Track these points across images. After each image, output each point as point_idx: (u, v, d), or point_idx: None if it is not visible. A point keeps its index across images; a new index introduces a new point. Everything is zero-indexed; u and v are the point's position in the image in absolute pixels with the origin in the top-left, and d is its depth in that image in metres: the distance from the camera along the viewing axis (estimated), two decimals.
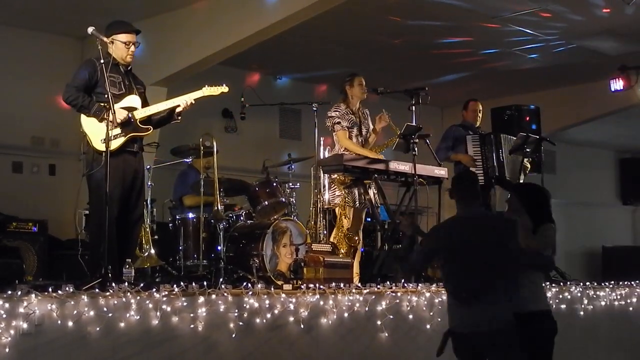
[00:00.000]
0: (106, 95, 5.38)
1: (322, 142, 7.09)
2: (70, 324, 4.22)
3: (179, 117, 5.89)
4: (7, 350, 3.97)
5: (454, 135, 8.31)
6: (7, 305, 4.02)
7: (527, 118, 9.87)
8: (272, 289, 5.27)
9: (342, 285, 5.62)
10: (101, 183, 5.32)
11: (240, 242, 6.49)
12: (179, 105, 5.79)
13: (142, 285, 4.68)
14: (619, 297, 7.81)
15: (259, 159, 7.80)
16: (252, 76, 10.76)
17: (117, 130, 5.51)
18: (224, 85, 5.90)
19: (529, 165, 8.40)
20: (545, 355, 4.45)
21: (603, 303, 7.59)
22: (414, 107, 7.10)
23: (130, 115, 5.59)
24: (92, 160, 5.54)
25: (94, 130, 5.52)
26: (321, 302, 5.36)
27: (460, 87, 11.29)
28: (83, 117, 5.58)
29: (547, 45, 10.04)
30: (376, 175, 6.93)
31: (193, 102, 5.81)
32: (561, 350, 7.03)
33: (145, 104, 5.79)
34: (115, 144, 5.46)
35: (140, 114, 5.67)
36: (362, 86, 7.04)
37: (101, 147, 5.43)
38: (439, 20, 9.06)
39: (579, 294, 7.34)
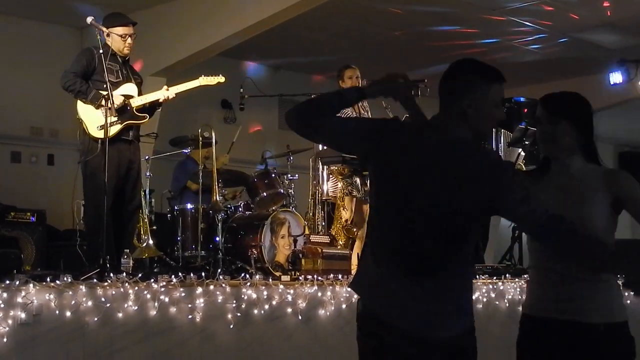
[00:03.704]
0: (105, 85, 5.40)
1: None
2: (68, 314, 4.22)
3: (159, 108, 6.04)
4: (5, 340, 3.98)
5: None
6: (5, 295, 4.02)
7: (525, 110, 9.86)
8: (270, 280, 5.28)
9: (340, 276, 5.63)
10: (96, 172, 5.35)
11: (239, 233, 6.49)
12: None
13: (140, 275, 4.69)
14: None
15: (258, 150, 7.79)
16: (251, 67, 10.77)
17: (113, 118, 5.53)
18: (221, 75, 5.94)
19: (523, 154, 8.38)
20: None
21: None
22: None
23: (126, 101, 5.63)
24: (87, 148, 5.56)
25: (90, 117, 5.55)
26: (319, 294, 5.36)
27: None
28: (79, 103, 5.61)
29: (547, 38, 10.03)
30: None
31: (174, 95, 5.90)
32: None
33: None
34: (111, 132, 5.48)
35: (137, 102, 5.73)
36: (352, 79, 6.95)
37: (97, 134, 5.47)
38: (439, 12, 9.05)
39: None
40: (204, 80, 5.96)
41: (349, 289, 5.47)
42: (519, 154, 8.30)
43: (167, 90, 5.90)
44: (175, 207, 6.91)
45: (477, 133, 2.79)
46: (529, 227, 2.77)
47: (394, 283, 2.68)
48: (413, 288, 2.66)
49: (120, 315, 4.43)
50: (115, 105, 5.51)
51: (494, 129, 7.41)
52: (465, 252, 2.72)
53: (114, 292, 4.42)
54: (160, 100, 5.88)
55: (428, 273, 2.67)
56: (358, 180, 6.85)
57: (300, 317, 5.22)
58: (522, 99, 10.05)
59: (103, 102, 5.40)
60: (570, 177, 3.11)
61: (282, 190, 6.92)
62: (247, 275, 5.23)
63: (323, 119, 2.84)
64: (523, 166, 8.30)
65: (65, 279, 4.32)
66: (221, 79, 5.98)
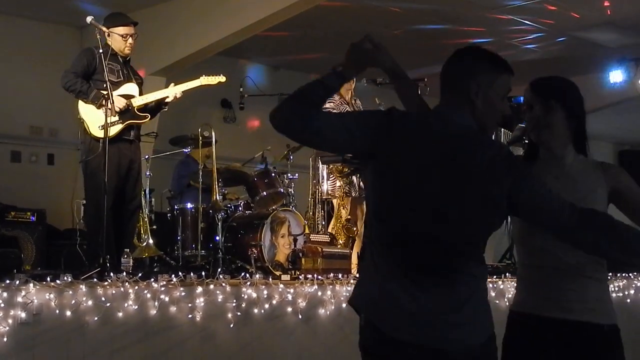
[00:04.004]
0: (105, 85, 5.41)
1: None
2: (68, 313, 4.22)
3: (166, 107, 6.03)
4: (5, 339, 3.97)
5: None
6: (5, 294, 4.02)
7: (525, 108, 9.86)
8: (270, 279, 5.27)
9: (340, 275, 5.63)
10: (96, 171, 5.36)
11: (239, 233, 6.49)
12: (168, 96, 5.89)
13: (140, 275, 4.69)
14: (616, 289, 7.81)
15: (257, 150, 7.80)
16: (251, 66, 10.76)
17: (115, 118, 5.54)
18: (221, 75, 5.95)
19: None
20: None
21: None
22: None
23: (129, 103, 5.64)
24: (89, 148, 5.58)
25: (92, 117, 5.56)
26: (319, 293, 5.36)
27: None
28: (81, 103, 5.62)
29: (546, 36, 10.03)
30: None
31: (181, 93, 5.92)
32: None
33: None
34: (112, 131, 5.50)
35: (138, 101, 5.74)
36: None
37: (98, 133, 5.48)
38: (438, 11, 9.05)
39: None
40: (204, 80, 5.98)
41: (349, 289, 5.47)
42: (520, 154, 8.29)
43: (174, 86, 5.92)
44: (175, 207, 6.91)
45: (482, 125, 2.61)
46: (556, 223, 2.51)
47: (394, 283, 2.60)
48: (413, 288, 2.59)
49: (120, 314, 4.42)
50: (119, 109, 5.53)
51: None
52: (467, 252, 2.63)
53: (114, 292, 4.42)
54: (169, 100, 5.89)
55: (428, 272, 2.59)
56: (356, 180, 6.85)
57: (300, 317, 5.22)
58: (521, 99, 10.02)
59: (104, 102, 5.41)
60: (565, 169, 2.96)
61: (282, 190, 6.93)
62: (247, 275, 5.22)
63: (319, 122, 2.66)
64: None
65: (65, 278, 4.32)
66: (222, 78, 6.01)
